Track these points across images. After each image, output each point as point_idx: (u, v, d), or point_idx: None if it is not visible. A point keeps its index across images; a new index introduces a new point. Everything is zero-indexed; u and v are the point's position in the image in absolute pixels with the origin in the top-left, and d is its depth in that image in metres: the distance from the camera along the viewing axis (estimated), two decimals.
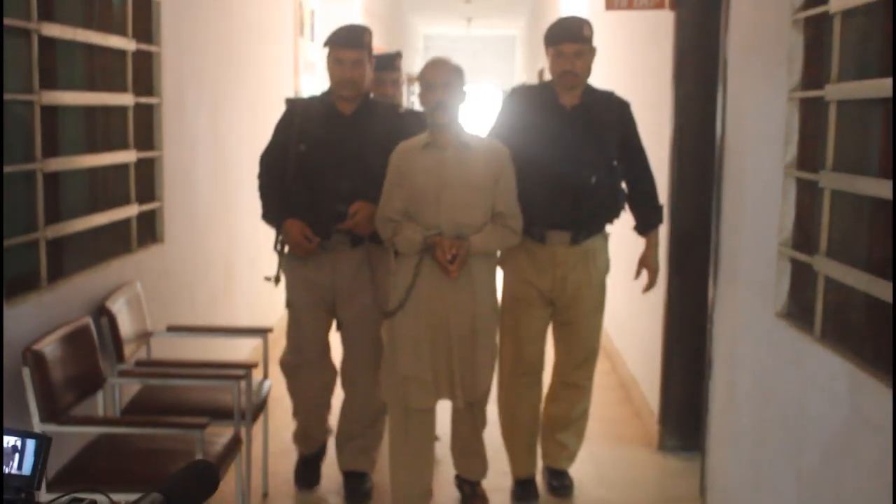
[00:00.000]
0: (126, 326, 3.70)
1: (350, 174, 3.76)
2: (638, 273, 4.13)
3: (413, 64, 19.62)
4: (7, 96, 2.95)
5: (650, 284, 4.12)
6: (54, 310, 3.26)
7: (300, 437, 4.18)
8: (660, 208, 4.10)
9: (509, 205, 3.65)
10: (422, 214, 3.58)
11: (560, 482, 4.18)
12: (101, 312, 3.55)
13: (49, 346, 3.03)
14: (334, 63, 3.79)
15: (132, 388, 3.82)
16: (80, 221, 3.59)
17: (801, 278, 2.87)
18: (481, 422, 3.91)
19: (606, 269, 4.04)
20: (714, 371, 3.73)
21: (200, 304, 4.97)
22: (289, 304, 3.99)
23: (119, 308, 3.67)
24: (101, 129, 3.89)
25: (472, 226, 3.59)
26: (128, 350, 3.67)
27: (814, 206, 2.78)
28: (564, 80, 3.82)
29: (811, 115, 2.82)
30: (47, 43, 3.28)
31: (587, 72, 3.84)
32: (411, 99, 15.05)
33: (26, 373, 2.91)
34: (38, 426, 2.93)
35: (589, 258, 3.93)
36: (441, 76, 3.56)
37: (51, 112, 3.34)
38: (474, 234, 3.58)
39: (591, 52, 3.84)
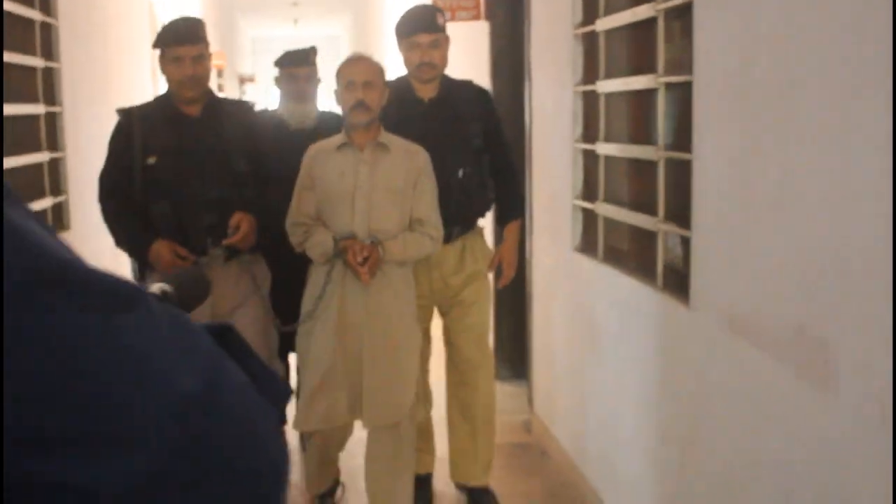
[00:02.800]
0: None
1: (214, 180, 3.47)
2: (494, 266, 3.95)
3: (242, 65, 20.24)
4: None
5: (507, 278, 3.99)
6: None
7: None
8: (520, 199, 4.03)
9: (428, 211, 3.45)
10: (335, 219, 3.39)
11: (488, 500, 3.95)
12: None
13: None
14: (172, 62, 3.46)
15: None
16: None
17: (589, 221, 3.95)
18: (406, 459, 3.53)
19: (485, 262, 3.88)
20: (533, 305, 4.80)
21: None
22: None
23: None
24: (18, 135, 4.61)
25: (388, 232, 3.37)
26: None
27: (594, 168, 3.86)
28: (422, 72, 3.65)
29: (590, 103, 3.90)
30: None
31: (444, 62, 3.70)
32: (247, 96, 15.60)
33: None
34: None
35: (466, 255, 3.77)
36: (361, 74, 3.37)
37: None
38: (389, 240, 3.36)
39: (447, 41, 3.70)
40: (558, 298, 4.36)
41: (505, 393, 5.46)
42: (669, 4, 2.98)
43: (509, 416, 5.09)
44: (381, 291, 3.39)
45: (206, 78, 3.55)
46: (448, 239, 3.63)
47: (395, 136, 3.48)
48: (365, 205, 3.37)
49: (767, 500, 2.43)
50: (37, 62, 4.69)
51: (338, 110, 3.69)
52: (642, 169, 3.37)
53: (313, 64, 4.30)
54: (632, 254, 3.57)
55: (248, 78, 20.20)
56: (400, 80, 3.74)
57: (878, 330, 1.91)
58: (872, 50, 1.91)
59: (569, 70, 4.00)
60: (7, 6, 4.26)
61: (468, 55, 6.45)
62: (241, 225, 3.41)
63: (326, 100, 4.33)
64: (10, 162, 4.32)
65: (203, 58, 3.50)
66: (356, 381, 3.39)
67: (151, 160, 3.45)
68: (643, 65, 3.31)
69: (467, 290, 3.79)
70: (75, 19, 5.32)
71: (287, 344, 3.77)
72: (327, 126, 3.89)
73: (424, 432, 3.93)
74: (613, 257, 3.69)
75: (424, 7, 3.80)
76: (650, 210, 3.25)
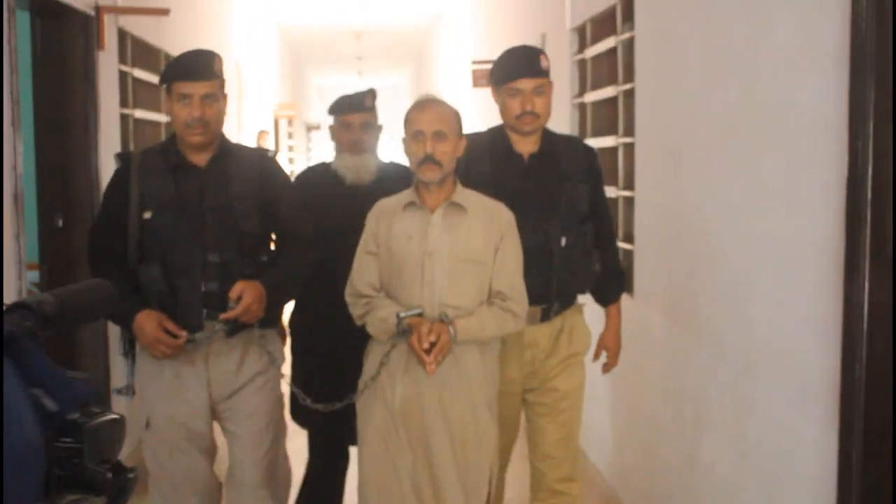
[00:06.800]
0: None
1: (216, 242, 3.00)
2: (598, 354, 3.50)
3: (309, 112, 21.82)
4: None
5: (610, 365, 3.50)
6: None
7: None
8: (622, 274, 3.51)
9: (511, 282, 2.97)
10: (401, 290, 2.95)
11: None
12: None
13: None
14: (178, 100, 2.96)
15: None
16: None
17: None
18: None
19: (585, 347, 3.34)
20: None
21: None
22: (149, 425, 3.07)
23: None
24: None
25: (462, 307, 2.91)
26: None
27: None
28: (523, 123, 3.13)
29: None
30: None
31: (548, 112, 3.20)
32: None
33: None
34: None
35: (563, 336, 3.27)
36: (431, 123, 2.91)
37: None
38: (463, 317, 2.89)
39: (551, 87, 3.20)
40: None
41: None
42: (624, 88, 4.24)
43: None
44: (451, 378, 2.93)
45: (217, 121, 3.04)
46: (546, 317, 3.21)
47: (473, 193, 3.04)
48: (436, 275, 2.92)
49: (669, 416, 3.66)
50: (160, 117, 6.08)
51: (404, 161, 3.18)
52: (611, 205, 4.60)
53: (371, 109, 3.67)
54: None
55: (314, 126, 21.69)
56: (495, 132, 3.29)
57: (724, 296, 3.14)
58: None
59: (567, 129, 5.26)
60: (139, 74, 5.61)
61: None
62: (244, 296, 2.90)
63: (389, 149, 3.69)
64: None
65: (214, 98, 3.00)
66: (424, 481, 2.95)
67: (147, 215, 2.99)
68: (612, 128, 4.57)
69: (561, 377, 3.26)
70: None
71: (336, 428, 3.37)
72: (389, 180, 3.41)
73: None
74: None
75: (525, 48, 3.26)
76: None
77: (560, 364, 3.24)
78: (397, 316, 2.84)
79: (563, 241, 3.17)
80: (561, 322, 3.24)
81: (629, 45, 4.17)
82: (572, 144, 3.36)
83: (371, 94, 3.67)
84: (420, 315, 2.85)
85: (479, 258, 2.93)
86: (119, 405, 4.41)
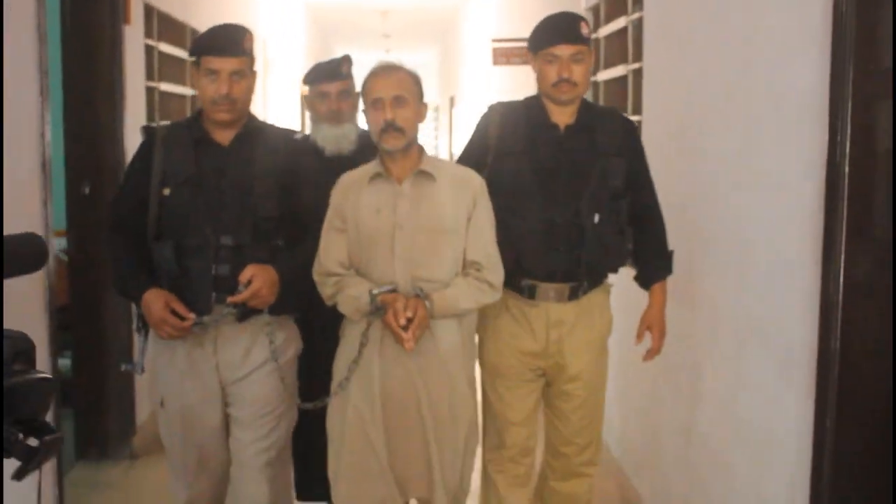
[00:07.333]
0: None
1: (231, 224, 2.93)
2: (641, 335, 3.33)
3: None
4: None
5: (656, 350, 3.31)
6: None
7: None
8: (668, 256, 3.31)
9: (485, 251, 2.89)
10: (372, 266, 2.85)
11: None
12: None
13: None
14: (206, 76, 2.90)
15: None
16: None
17: None
18: None
19: (608, 330, 3.28)
20: None
21: None
22: (163, 405, 3.06)
23: None
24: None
25: (437, 280, 2.83)
26: None
27: None
28: (560, 91, 3.03)
29: None
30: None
31: (586, 81, 3.10)
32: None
33: None
34: None
35: (589, 317, 3.18)
36: (390, 88, 2.81)
37: None
38: (438, 291, 2.81)
39: (591, 56, 3.10)
40: None
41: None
42: (633, 67, 4.34)
43: None
44: (431, 354, 2.87)
45: (244, 99, 2.98)
46: (574, 295, 3.12)
47: (441, 160, 3.00)
48: (407, 248, 2.83)
49: (669, 390, 3.76)
50: (186, 90, 6.23)
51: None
52: None
53: (348, 76, 3.61)
54: None
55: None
56: (530, 101, 3.19)
57: (721, 272, 3.25)
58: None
59: None
60: (165, 48, 5.76)
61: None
62: (254, 280, 2.84)
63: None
64: None
65: (243, 74, 2.94)
66: (418, 458, 2.90)
67: (166, 192, 2.94)
68: (624, 107, 4.67)
69: (583, 360, 3.19)
70: None
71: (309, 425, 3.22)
72: (370, 149, 3.16)
73: None
74: None
75: (565, 14, 3.11)
76: None
77: (584, 346, 3.17)
78: (370, 293, 2.77)
79: (596, 218, 3.06)
80: (588, 301, 3.16)
81: (639, 24, 4.27)
82: (611, 117, 3.21)
83: (346, 60, 3.60)
84: (393, 291, 2.78)
85: (452, 227, 2.85)
86: (141, 378, 4.59)
